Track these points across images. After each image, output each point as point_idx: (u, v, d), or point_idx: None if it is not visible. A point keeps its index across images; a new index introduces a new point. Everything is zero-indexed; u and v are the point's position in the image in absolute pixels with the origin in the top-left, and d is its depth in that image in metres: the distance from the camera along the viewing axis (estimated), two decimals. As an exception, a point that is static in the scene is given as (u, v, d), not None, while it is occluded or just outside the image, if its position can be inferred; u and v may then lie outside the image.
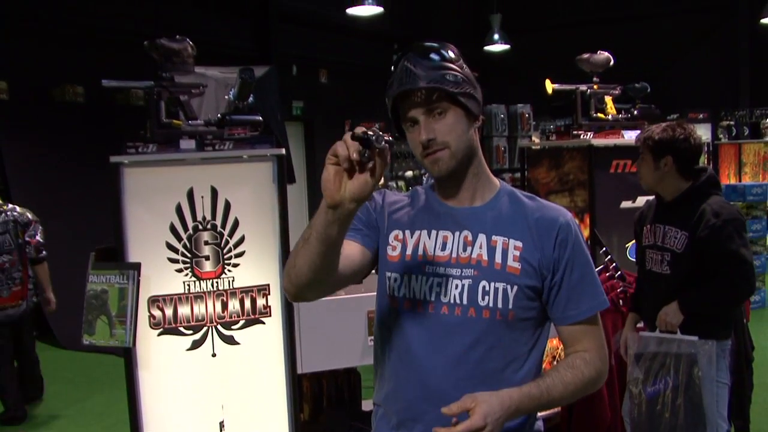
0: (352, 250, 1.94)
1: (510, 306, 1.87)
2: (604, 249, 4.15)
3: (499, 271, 1.87)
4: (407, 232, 1.98)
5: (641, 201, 4.35)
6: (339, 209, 1.66)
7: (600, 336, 1.99)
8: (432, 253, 1.92)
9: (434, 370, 1.90)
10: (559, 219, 1.92)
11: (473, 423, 1.69)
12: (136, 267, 3.24)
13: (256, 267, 3.45)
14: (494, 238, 1.89)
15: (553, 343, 4.67)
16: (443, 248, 1.92)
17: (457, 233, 1.92)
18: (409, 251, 1.96)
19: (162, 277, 3.34)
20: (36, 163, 8.33)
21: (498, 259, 1.88)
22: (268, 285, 3.47)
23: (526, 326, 1.93)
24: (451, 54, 1.90)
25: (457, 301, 1.88)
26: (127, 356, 3.35)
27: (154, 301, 3.34)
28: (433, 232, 1.95)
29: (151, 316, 3.34)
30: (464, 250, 1.90)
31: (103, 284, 3.31)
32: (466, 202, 1.95)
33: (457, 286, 1.88)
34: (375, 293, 3.68)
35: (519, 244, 1.88)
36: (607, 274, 4.06)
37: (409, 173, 14.10)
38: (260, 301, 3.46)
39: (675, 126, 3.39)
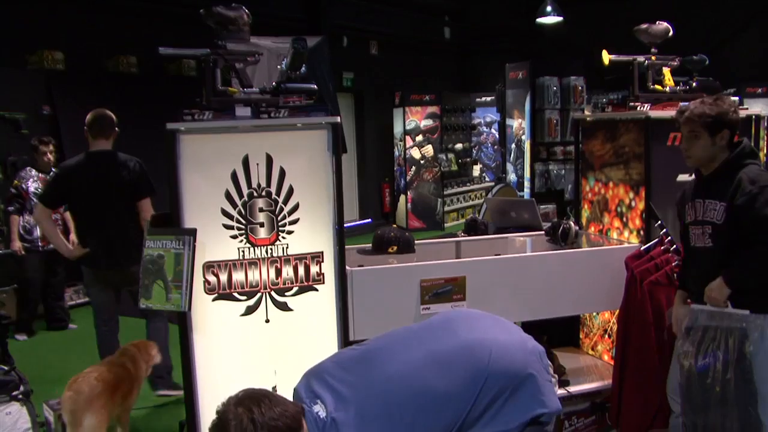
0: None
1: None
2: (659, 222, 4.09)
3: None
4: None
5: (698, 175, 4.28)
6: None
7: None
8: None
9: None
10: None
11: None
12: (192, 233, 3.28)
13: (310, 234, 3.48)
14: None
15: (605, 316, 4.64)
16: None
17: None
18: None
19: (217, 243, 3.38)
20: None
21: None
22: (322, 252, 3.50)
23: None
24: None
25: None
26: (183, 320, 3.40)
27: (209, 266, 3.38)
28: None
29: (206, 281, 3.39)
30: None
31: (159, 249, 3.35)
32: None
33: None
34: (428, 262, 3.71)
35: None
36: (662, 248, 4.00)
37: (459, 146, 14.05)
38: (314, 269, 3.49)
39: (718, 100, 3.40)
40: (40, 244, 7.09)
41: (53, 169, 7.11)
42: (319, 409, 2.30)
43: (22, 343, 7.06)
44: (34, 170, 7.12)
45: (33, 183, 7.02)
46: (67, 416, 4.09)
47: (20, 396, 4.81)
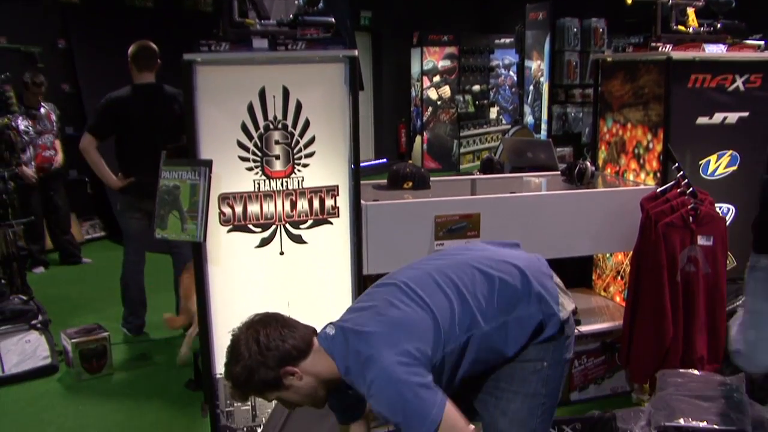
0: None
1: None
2: (676, 165, 4.06)
3: None
4: None
5: (718, 117, 4.23)
6: None
7: None
8: None
9: None
10: (360, 389, 2.25)
11: None
12: (208, 164, 3.29)
13: (326, 168, 3.48)
14: None
15: (618, 258, 4.65)
16: None
17: None
18: None
19: (232, 175, 3.39)
20: (106, 67, 8.42)
21: None
22: (337, 186, 3.50)
23: None
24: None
25: None
26: (198, 251, 3.43)
27: (224, 198, 3.39)
28: None
29: (221, 213, 3.40)
30: None
31: (175, 180, 3.37)
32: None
33: None
34: (442, 198, 3.72)
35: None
36: (678, 190, 3.98)
37: (476, 87, 13.94)
38: (328, 202, 3.50)
39: None
40: (33, 181, 7.13)
41: (42, 104, 7.30)
42: (330, 329, 2.36)
43: (39, 275, 7.16)
44: (22, 107, 7.07)
45: (23, 121, 7.01)
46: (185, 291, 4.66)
47: (39, 325, 4.92)
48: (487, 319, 2.36)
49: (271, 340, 2.29)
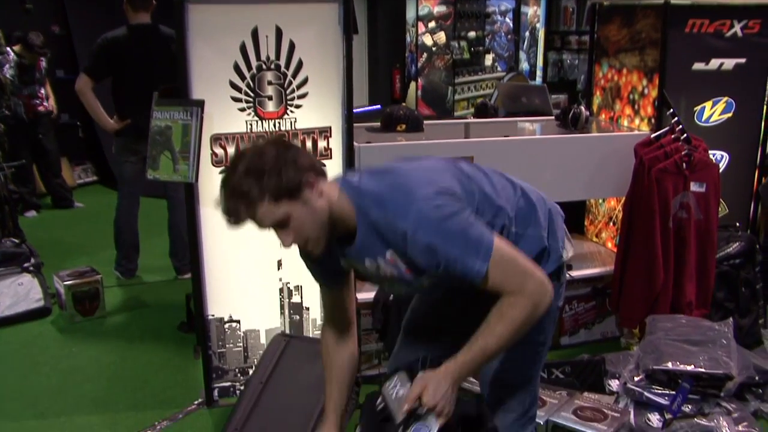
0: None
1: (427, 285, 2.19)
2: (671, 111, 4.04)
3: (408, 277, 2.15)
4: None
5: (715, 63, 4.20)
6: None
7: (512, 272, 2.02)
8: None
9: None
10: (399, 225, 2.00)
11: (426, 402, 2.01)
12: (200, 104, 3.25)
13: (319, 109, 3.45)
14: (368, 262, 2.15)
15: (611, 204, 4.65)
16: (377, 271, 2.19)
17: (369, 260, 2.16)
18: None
19: (225, 115, 3.36)
20: (97, 7, 8.29)
21: (396, 272, 2.14)
22: (330, 127, 3.48)
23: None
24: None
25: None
26: (189, 192, 3.41)
27: (216, 139, 3.37)
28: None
29: (214, 153, 3.38)
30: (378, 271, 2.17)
31: (167, 120, 3.34)
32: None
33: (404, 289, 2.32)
34: (436, 141, 3.69)
35: (392, 257, 2.10)
36: (672, 136, 3.97)
37: (472, 33, 13.80)
38: (321, 143, 3.48)
39: None
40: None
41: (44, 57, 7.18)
42: (351, 174, 2.21)
43: (31, 219, 7.15)
44: (12, 54, 6.95)
45: (9, 69, 6.92)
46: None
47: (31, 267, 4.92)
48: (509, 219, 2.27)
49: (300, 148, 2.08)
